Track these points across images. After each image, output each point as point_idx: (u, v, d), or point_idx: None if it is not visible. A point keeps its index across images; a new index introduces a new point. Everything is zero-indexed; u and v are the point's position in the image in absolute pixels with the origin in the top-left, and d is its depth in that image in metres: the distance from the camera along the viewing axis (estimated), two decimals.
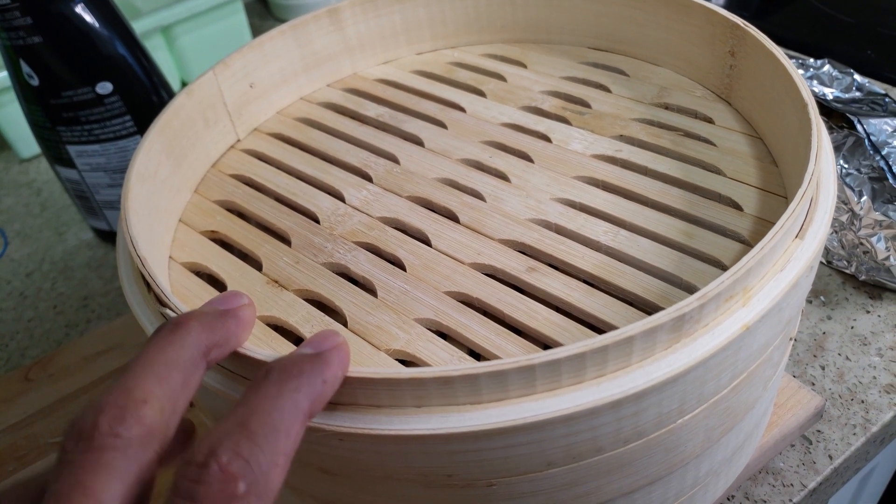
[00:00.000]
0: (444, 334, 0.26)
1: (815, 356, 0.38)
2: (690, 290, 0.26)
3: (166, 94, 0.45)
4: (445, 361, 0.25)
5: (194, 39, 0.64)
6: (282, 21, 0.76)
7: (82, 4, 0.39)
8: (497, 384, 0.20)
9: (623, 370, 0.21)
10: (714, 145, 0.32)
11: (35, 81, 0.40)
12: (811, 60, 0.45)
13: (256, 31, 0.74)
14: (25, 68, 0.39)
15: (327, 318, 0.27)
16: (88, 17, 0.39)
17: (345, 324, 0.27)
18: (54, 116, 0.42)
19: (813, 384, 0.37)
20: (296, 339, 0.27)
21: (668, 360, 0.21)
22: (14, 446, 0.37)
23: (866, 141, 0.36)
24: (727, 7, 0.33)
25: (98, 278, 0.50)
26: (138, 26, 0.59)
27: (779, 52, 0.30)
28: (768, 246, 0.22)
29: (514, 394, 0.20)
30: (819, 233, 0.25)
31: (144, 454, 0.16)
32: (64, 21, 0.38)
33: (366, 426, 0.21)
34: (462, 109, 0.37)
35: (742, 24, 0.32)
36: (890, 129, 0.36)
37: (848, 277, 0.41)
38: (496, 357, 0.25)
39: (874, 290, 0.41)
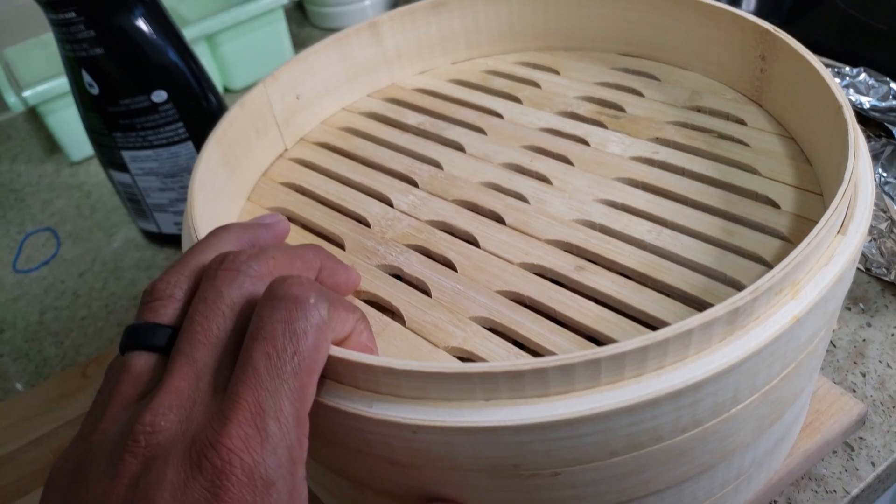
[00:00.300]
0: (498, 332, 0.27)
1: (855, 363, 0.38)
2: (734, 285, 0.27)
3: (214, 98, 0.47)
4: (502, 358, 0.26)
5: (237, 47, 0.66)
6: (319, 28, 0.78)
7: (142, 17, 0.40)
8: (564, 377, 0.21)
9: (681, 362, 0.22)
10: (748, 146, 0.33)
11: (95, 90, 0.41)
12: (847, 69, 0.46)
13: (294, 37, 0.75)
14: (87, 78, 0.41)
15: (385, 317, 0.28)
16: (146, 29, 0.41)
17: (403, 322, 0.28)
18: (111, 123, 0.43)
19: (854, 391, 0.37)
20: None
21: (724, 352, 0.22)
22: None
23: None
24: (757, 14, 0.34)
25: (147, 279, 0.51)
26: (185, 35, 0.61)
27: (810, 55, 0.31)
28: (814, 241, 0.23)
29: (579, 386, 0.22)
30: (860, 228, 0.26)
31: (256, 286, 0.22)
32: (124, 34, 0.40)
33: (438, 419, 0.22)
34: (500, 116, 0.38)
35: (772, 30, 0.33)
36: None
37: (887, 285, 0.42)
38: (551, 353, 0.26)
39: None
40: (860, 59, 0.54)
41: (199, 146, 0.47)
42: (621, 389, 0.22)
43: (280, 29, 0.67)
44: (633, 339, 0.21)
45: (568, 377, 0.21)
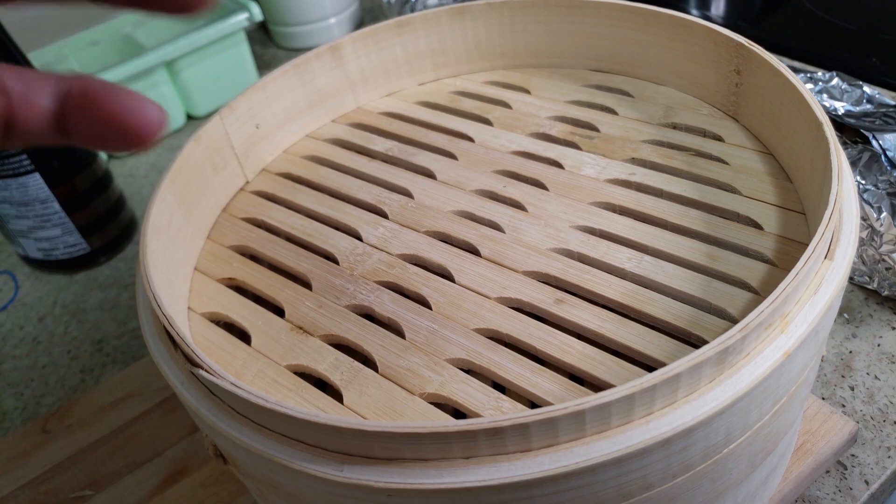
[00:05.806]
0: (477, 373, 0.26)
1: (843, 377, 0.38)
2: (720, 314, 0.26)
3: None
4: (482, 403, 0.25)
5: (198, 72, 0.64)
6: (284, 48, 0.76)
7: None
8: (547, 431, 0.20)
9: (670, 407, 0.21)
10: (726, 164, 0.32)
11: None
12: (819, 73, 0.45)
13: (258, 59, 0.73)
14: None
15: (357, 363, 0.27)
16: None
17: (376, 368, 0.26)
18: None
19: (843, 406, 0.36)
20: (325, 386, 0.26)
21: (714, 394, 0.21)
22: (34, 502, 0.36)
23: (882, 156, 0.36)
24: (726, 16, 0.33)
25: (112, 320, 0.49)
26: (142, 62, 0.59)
27: (787, 70, 0.30)
28: (802, 271, 0.22)
29: (563, 439, 0.20)
30: (847, 252, 0.25)
31: None
32: None
33: (414, 481, 0.20)
34: (470, 139, 0.36)
35: (747, 44, 0.32)
36: None
37: (871, 293, 0.41)
38: (533, 396, 0.25)
39: None
40: (829, 61, 0.54)
41: (46, 177, 0.47)
42: (608, 440, 0.20)
43: (243, 51, 0.66)
44: (619, 386, 0.20)
45: (551, 431, 0.20)
